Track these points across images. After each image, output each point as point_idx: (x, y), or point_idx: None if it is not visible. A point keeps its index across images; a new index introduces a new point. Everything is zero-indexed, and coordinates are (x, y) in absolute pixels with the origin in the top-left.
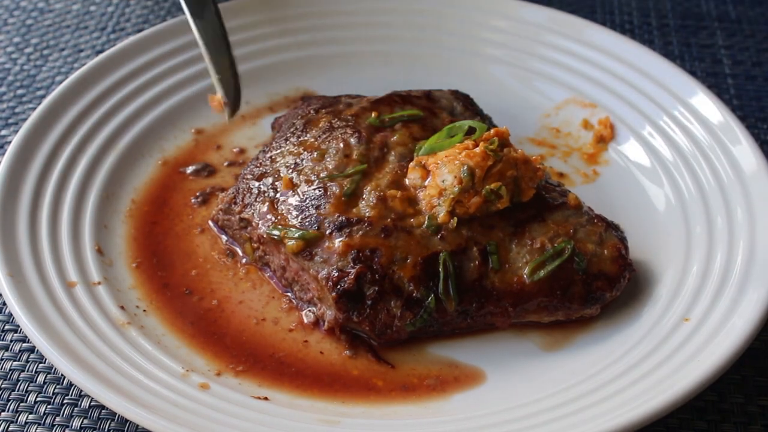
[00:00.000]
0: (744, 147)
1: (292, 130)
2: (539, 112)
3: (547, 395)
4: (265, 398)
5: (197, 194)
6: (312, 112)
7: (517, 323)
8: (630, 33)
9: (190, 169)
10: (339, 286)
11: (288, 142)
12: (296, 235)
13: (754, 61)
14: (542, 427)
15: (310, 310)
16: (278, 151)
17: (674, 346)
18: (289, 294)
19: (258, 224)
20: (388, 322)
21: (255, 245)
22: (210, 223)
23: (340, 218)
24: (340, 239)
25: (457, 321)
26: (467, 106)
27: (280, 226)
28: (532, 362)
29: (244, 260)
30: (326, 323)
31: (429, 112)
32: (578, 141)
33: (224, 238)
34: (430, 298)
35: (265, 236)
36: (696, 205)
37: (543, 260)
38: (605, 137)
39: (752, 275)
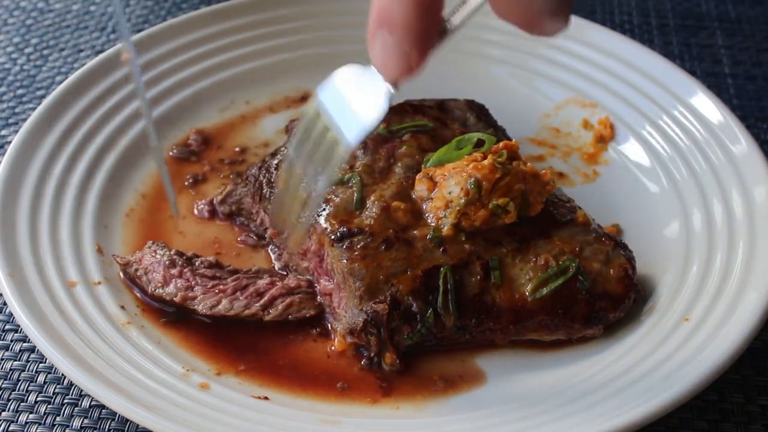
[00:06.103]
0: (744, 147)
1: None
2: (539, 112)
3: (546, 395)
4: (266, 398)
5: None
6: None
7: (516, 340)
8: (630, 33)
9: None
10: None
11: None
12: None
13: (754, 61)
14: (542, 427)
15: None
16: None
17: (674, 345)
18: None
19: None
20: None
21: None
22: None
23: (341, 228)
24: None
25: (456, 336)
26: (481, 117)
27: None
28: (532, 363)
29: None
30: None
31: (440, 123)
32: (578, 141)
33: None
34: (428, 312)
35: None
36: (696, 205)
37: (546, 278)
38: (605, 137)
39: (752, 275)
